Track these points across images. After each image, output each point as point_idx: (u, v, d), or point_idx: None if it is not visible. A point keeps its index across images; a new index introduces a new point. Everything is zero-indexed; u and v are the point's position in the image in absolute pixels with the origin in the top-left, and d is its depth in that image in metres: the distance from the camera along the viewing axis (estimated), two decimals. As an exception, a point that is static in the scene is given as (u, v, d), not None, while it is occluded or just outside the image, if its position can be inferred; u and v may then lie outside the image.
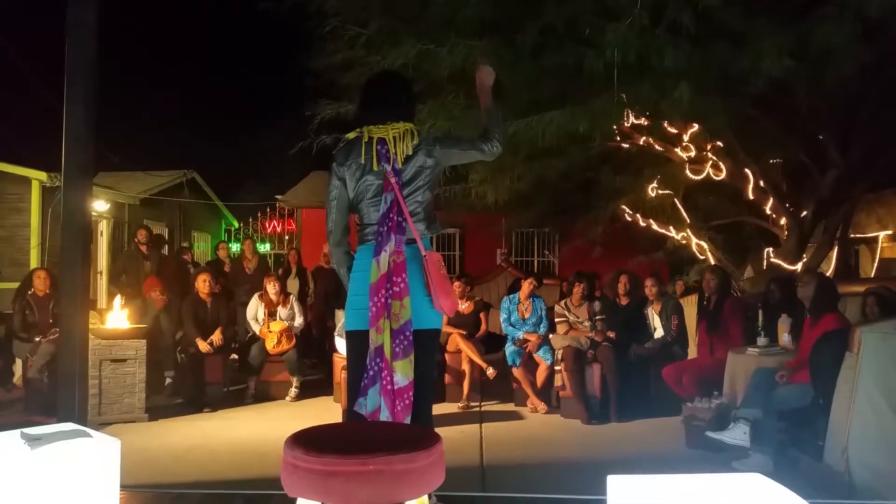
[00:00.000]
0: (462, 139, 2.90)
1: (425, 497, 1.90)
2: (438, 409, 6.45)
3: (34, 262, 11.18)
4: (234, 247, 18.49)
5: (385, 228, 2.67)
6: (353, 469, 1.72)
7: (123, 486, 2.44)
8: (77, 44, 3.42)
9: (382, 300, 2.63)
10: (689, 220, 9.76)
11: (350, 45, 7.59)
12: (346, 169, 2.78)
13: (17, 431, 2.32)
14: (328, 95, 8.20)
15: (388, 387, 2.59)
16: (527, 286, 6.82)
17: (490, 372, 6.57)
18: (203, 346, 6.66)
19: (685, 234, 9.82)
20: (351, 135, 2.85)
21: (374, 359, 2.62)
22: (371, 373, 2.61)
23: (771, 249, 9.15)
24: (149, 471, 4.39)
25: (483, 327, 7.15)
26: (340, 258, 2.90)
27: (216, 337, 6.79)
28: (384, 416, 2.58)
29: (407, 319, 2.62)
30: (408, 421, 2.58)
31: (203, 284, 7.05)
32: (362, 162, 2.74)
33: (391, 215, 2.68)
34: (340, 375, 6.16)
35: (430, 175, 2.78)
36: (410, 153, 2.74)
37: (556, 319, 6.66)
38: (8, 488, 2.14)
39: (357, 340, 2.72)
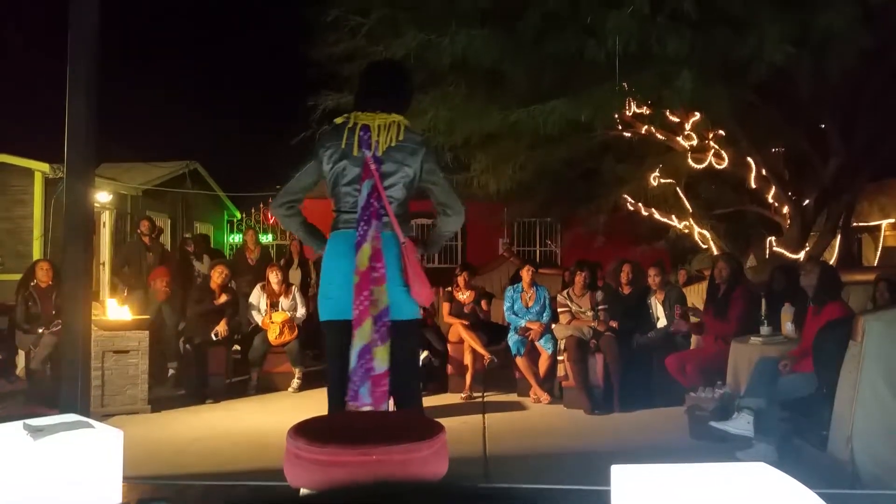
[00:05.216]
0: (442, 195, 2.83)
1: None
2: (441, 399, 6.47)
3: (37, 254, 11.17)
4: (236, 238, 18.52)
5: (367, 215, 2.65)
6: (355, 459, 1.72)
7: (126, 478, 2.44)
8: (79, 35, 3.41)
9: (368, 290, 2.61)
10: (691, 209, 9.76)
11: (352, 36, 7.58)
12: (325, 151, 2.77)
13: (20, 422, 2.32)
14: (330, 86, 8.20)
15: (369, 374, 2.59)
16: (526, 274, 6.81)
17: (486, 358, 6.55)
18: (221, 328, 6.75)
19: (687, 223, 9.82)
20: (339, 120, 2.84)
21: (367, 348, 2.60)
22: (363, 363, 2.60)
23: (773, 238, 9.14)
24: (151, 462, 4.40)
25: (484, 315, 7.15)
26: (285, 220, 2.92)
27: (221, 328, 6.81)
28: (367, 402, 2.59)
29: (385, 306, 2.60)
30: (385, 407, 2.60)
31: (218, 276, 7.06)
32: (342, 147, 2.72)
33: (371, 201, 2.66)
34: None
35: (408, 177, 2.74)
36: (393, 145, 2.71)
37: (559, 309, 6.65)
38: (11, 479, 2.14)
39: (335, 330, 2.69)
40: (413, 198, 2.82)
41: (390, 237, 2.69)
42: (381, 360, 2.59)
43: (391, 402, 2.78)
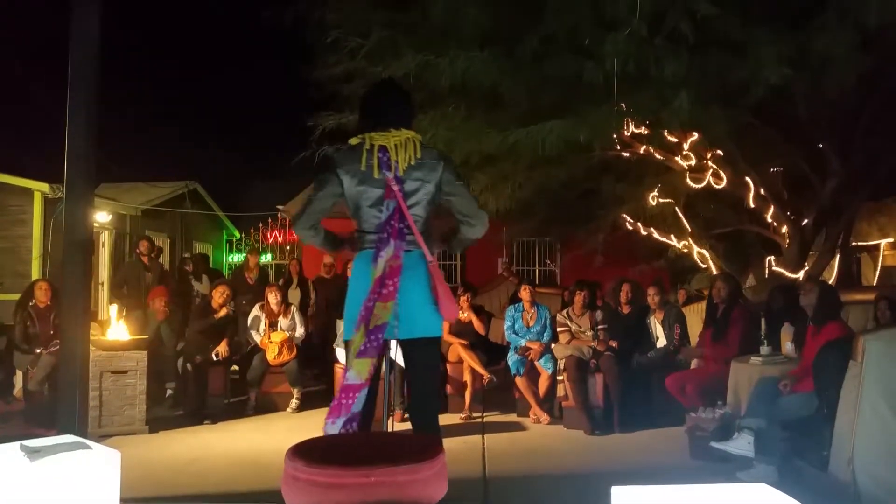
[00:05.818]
0: (462, 206, 2.85)
1: None
2: (440, 419, 6.41)
3: (36, 274, 11.16)
4: (235, 257, 18.53)
5: (385, 234, 2.65)
6: (354, 481, 1.71)
7: (124, 499, 2.43)
8: (80, 55, 3.44)
9: (370, 304, 2.61)
10: (690, 229, 9.77)
11: (351, 57, 7.63)
12: (345, 173, 2.74)
13: (17, 444, 2.30)
14: (329, 106, 8.24)
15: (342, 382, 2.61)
16: (526, 293, 6.80)
17: (486, 377, 6.52)
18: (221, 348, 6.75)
19: (686, 243, 9.83)
20: (353, 141, 2.82)
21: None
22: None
23: (772, 258, 9.16)
24: (149, 483, 4.37)
25: (482, 331, 7.13)
26: (313, 239, 2.88)
27: (222, 348, 6.79)
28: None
29: (384, 322, 2.59)
30: (341, 422, 2.53)
31: (219, 296, 7.05)
32: (362, 169, 2.71)
33: (392, 222, 2.66)
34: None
35: (430, 194, 2.76)
36: (413, 163, 2.72)
37: (559, 329, 6.64)
38: (8, 501, 2.13)
39: None
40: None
41: (417, 256, 2.70)
42: (356, 372, 2.56)
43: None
